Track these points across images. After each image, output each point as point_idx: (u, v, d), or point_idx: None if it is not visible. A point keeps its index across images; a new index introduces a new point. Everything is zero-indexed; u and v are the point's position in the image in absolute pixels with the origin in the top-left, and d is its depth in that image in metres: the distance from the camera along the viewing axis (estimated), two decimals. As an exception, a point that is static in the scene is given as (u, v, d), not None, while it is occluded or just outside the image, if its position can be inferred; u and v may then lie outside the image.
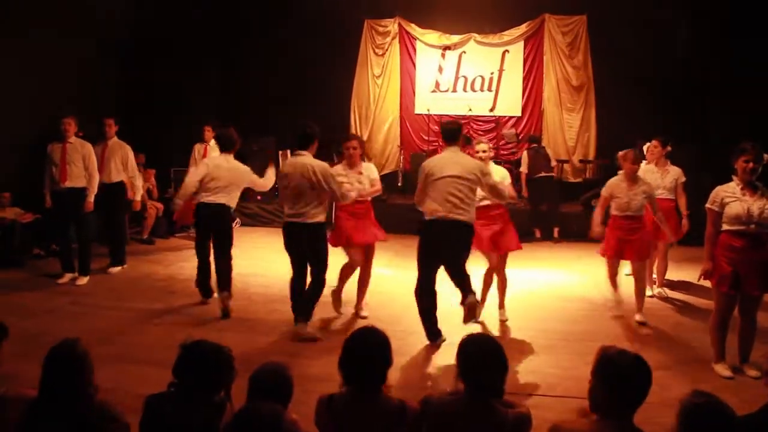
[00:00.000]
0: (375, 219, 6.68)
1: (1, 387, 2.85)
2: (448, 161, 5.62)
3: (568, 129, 13.03)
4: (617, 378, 2.52)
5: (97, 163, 7.73)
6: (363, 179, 6.40)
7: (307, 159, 5.87)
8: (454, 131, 5.81)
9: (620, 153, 6.55)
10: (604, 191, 6.53)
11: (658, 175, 7.21)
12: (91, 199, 7.62)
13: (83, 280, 7.64)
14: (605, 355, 2.60)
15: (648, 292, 7.56)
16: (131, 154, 8.34)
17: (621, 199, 6.38)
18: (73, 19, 9.66)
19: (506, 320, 6.44)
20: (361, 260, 6.50)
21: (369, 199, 6.53)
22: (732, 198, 5.00)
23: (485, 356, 2.78)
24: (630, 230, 6.39)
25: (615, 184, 6.48)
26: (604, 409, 2.56)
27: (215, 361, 2.83)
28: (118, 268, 8.25)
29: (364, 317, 6.40)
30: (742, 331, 5.20)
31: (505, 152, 13.16)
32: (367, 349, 2.81)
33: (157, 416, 2.73)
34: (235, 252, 9.40)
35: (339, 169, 6.46)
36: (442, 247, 5.61)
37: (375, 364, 2.78)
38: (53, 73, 9.29)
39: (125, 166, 8.28)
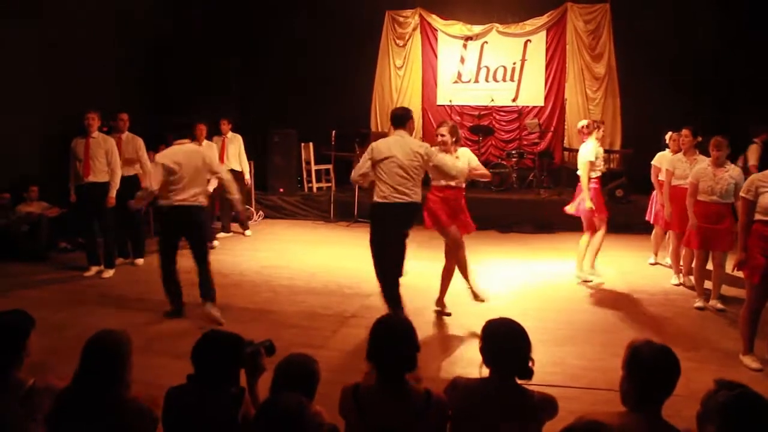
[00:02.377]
0: (466, 208, 6.47)
1: (30, 378, 2.88)
2: (393, 144, 5.69)
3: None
4: (645, 370, 2.51)
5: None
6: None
7: (407, 139, 5.73)
8: (401, 117, 5.87)
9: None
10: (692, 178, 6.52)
11: (687, 165, 7.11)
12: (113, 194, 7.69)
13: (109, 273, 7.73)
14: (634, 348, 2.59)
15: (674, 281, 7.53)
16: (143, 147, 8.36)
17: (705, 183, 6.37)
18: (97, 14, 9.74)
19: (449, 315, 6.38)
20: (457, 241, 6.30)
21: (462, 185, 6.32)
22: (767, 188, 4.92)
23: (509, 338, 2.81)
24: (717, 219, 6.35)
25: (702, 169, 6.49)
26: (632, 402, 2.54)
27: (230, 351, 2.84)
28: (141, 260, 8.32)
29: (448, 314, 6.35)
30: None
31: (527, 142, 13.06)
32: (392, 336, 2.81)
33: (177, 408, 2.75)
34: (259, 245, 9.55)
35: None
36: (389, 226, 5.84)
37: (400, 351, 2.77)
38: (77, 69, 9.37)
39: (138, 159, 8.31)
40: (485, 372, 2.85)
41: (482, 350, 2.86)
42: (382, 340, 2.81)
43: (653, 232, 8.46)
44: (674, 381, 2.52)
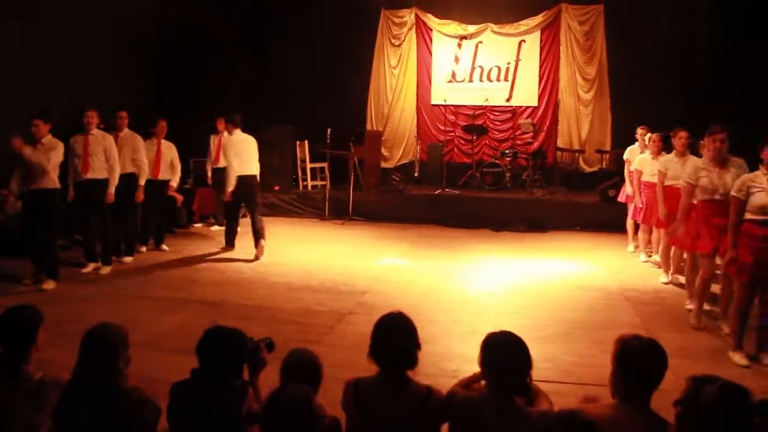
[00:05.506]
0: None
1: (38, 372, 2.96)
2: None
3: (584, 118, 13.04)
4: (633, 363, 2.60)
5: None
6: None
7: None
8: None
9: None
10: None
11: (678, 165, 7.23)
12: (112, 190, 7.73)
13: (106, 270, 7.77)
14: (623, 342, 2.68)
15: (663, 279, 7.66)
16: (141, 145, 8.41)
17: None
18: (96, 12, 9.75)
19: None
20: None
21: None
22: (758, 188, 5.00)
23: (509, 354, 2.78)
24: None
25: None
26: (621, 394, 2.63)
27: (233, 346, 2.92)
28: (130, 258, 8.37)
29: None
30: (761, 320, 5.23)
31: (521, 142, 13.18)
32: (395, 333, 2.88)
33: (182, 402, 2.82)
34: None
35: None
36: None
37: (402, 348, 2.85)
38: (76, 66, 9.39)
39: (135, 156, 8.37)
40: (483, 382, 2.88)
41: (481, 363, 2.84)
42: (384, 336, 2.89)
43: (639, 229, 8.84)
44: (662, 373, 2.60)
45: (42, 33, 8.97)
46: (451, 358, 5.13)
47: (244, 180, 8.75)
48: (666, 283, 7.57)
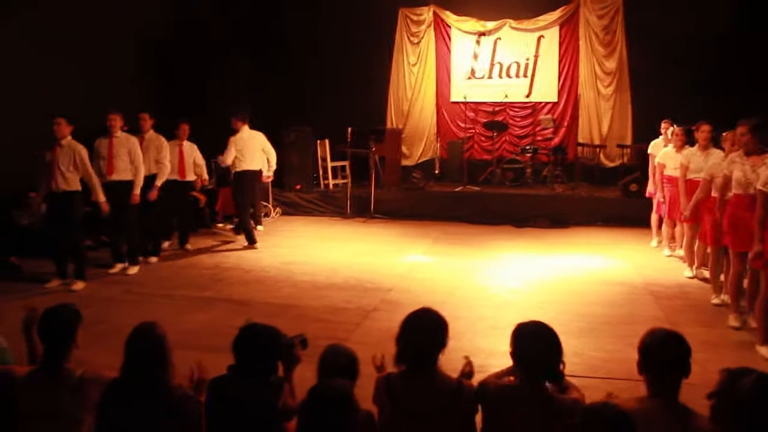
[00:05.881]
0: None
1: (80, 368, 3.04)
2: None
3: (605, 113, 12.98)
4: (655, 354, 2.66)
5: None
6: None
7: None
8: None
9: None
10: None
11: (701, 158, 7.22)
12: (138, 191, 7.84)
13: (133, 270, 7.89)
14: (646, 335, 2.75)
15: (687, 273, 7.63)
16: (165, 146, 8.51)
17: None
18: (112, 15, 9.85)
19: None
20: None
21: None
22: None
23: (539, 342, 2.84)
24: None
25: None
26: (650, 387, 2.67)
27: (269, 343, 2.99)
28: (156, 258, 8.52)
29: None
30: None
31: (541, 138, 13.16)
32: (424, 329, 2.94)
33: (219, 397, 2.89)
34: (278, 241, 9.71)
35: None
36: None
37: (430, 344, 2.90)
38: (97, 70, 9.51)
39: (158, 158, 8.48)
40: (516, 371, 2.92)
41: (512, 353, 2.89)
42: (414, 331, 2.94)
43: (663, 224, 8.82)
44: (686, 364, 2.64)
45: (41, 33, 9.04)
46: (477, 353, 5.12)
47: (250, 174, 9.32)
48: (690, 278, 7.54)
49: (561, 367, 2.84)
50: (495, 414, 2.84)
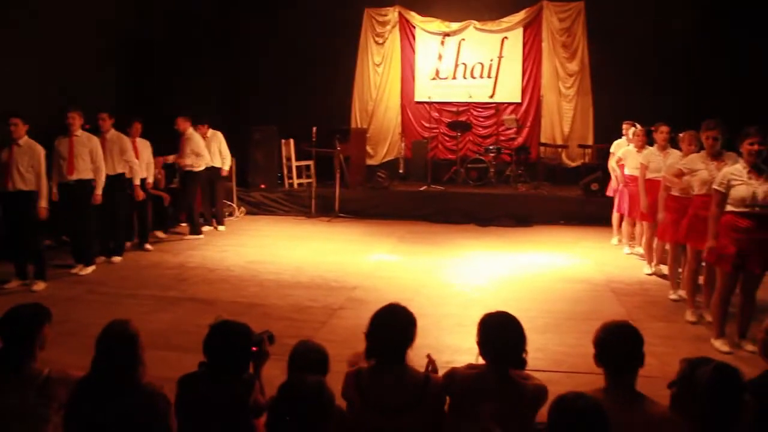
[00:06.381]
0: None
1: (45, 368, 3.01)
2: None
3: (567, 114, 13.19)
4: (610, 346, 2.76)
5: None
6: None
7: None
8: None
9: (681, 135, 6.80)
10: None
11: (660, 158, 7.41)
12: (99, 192, 7.73)
13: (87, 270, 7.72)
14: (601, 327, 2.85)
15: (646, 270, 7.84)
16: (128, 145, 8.44)
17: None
18: (76, 13, 9.72)
19: None
20: None
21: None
22: (738, 181, 5.15)
23: (504, 330, 2.95)
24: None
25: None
26: (607, 379, 2.76)
27: (241, 340, 3.00)
28: (119, 258, 8.38)
29: None
30: (742, 308, 5.38)
31: (505, 138, 13.31)
32: (394, 324, 2.98)
33: (190, 395, 2.89)
34: (243, 240, 9.69)
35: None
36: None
37: (399, 339, 2.95)
38: (59, 68, 9.36)
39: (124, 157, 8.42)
40: (480, 361, 2.99)
41: (479, 342, 2.98)
42: (384, 327, 2.98)
43: (623, 222, 9.03)
44: (641, 355, 2.74)
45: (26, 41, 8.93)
46: (443, 349, 5.22)
47: (212, 171, 10.18)
48: (649, 275, 7.72)
49: (524, 354, 2.93)
50: (461, 400, 2.90)
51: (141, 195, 8.67)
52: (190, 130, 9.83)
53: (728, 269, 5.23)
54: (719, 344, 5.34)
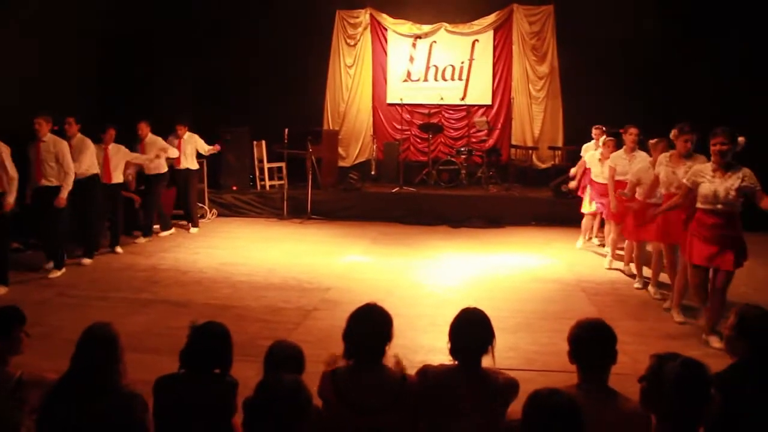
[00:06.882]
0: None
1: (18, 370, 2.99)
2: None
3: (537, 116, 13.34)
4: (584, 343, 2.82)
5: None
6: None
7: None
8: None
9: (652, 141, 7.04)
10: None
11: (626, 161, 7.55)
12: (64, 195, 7.61)
13: (56, 273, 7.63)
14: (575, 324, 2.92)
15: (606, 264, 8.24)
16: (90, 149, 8.37)
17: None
18: (50, 15, 9.60)
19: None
20: None
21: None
22: (704, 179, 5.37)
23: (473, 326, 3.05)
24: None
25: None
26: (581, 375, 2.82)
27: (226, 341, 3.02)
28: (89, 260, 8.28)
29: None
30: (711, 304, 5.51)
31: (476, 140, 13.41)
32: (371, 324, 3.01)
33: (170, 397, 2.88)
34: (216, 242, 9.64)
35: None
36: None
37: (376, 339, 2.97)
38: (34, 71, 9.25)
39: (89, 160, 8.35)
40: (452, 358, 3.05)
41: (450, 338, 3.07)
42: (361, 326, 3.00)
43: (585, 217, 9.32)
44: (613, 351, 2.82)
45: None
46: (417, 349, 5.26)
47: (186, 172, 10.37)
48: (609, 269, 8.11)
49: (491, 348, 3.02)
50: (435, 395, 2.95)
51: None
52: (150, 135, 9.79)
53: (696, 262, 5.50)
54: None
